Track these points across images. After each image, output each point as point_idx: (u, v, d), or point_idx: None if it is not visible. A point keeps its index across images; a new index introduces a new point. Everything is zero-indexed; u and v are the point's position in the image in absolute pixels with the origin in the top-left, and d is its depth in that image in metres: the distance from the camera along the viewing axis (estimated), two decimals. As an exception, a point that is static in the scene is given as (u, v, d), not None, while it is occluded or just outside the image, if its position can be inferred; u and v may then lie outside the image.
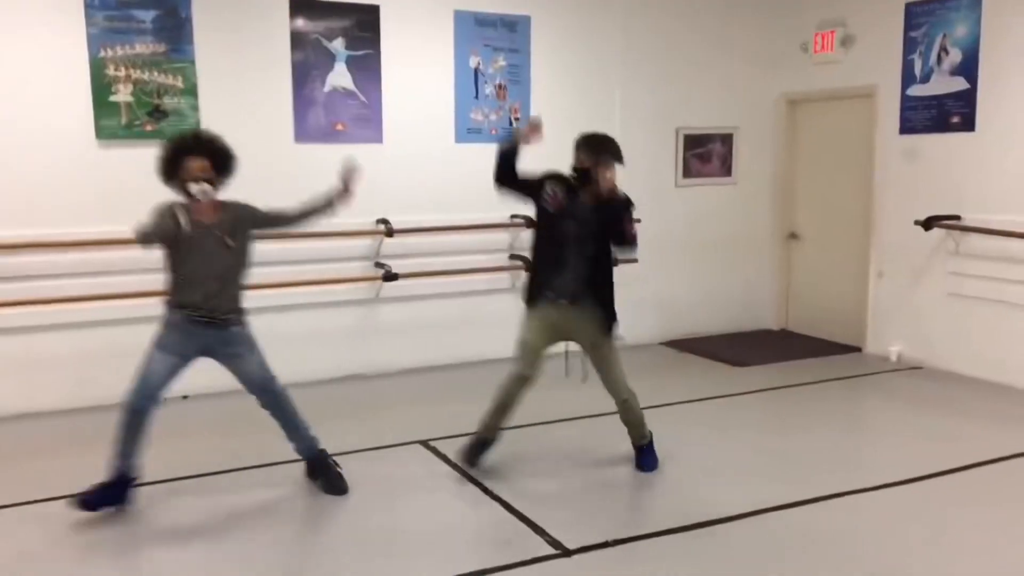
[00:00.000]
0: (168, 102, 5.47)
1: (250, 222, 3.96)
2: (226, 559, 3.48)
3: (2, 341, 5.23)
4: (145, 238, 3.72)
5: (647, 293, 7.16)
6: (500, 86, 6.50)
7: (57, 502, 3.87)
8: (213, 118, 5.55)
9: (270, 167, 5.51)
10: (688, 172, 7.33)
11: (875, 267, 6.82)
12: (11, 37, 5.12)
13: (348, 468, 4.20)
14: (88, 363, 5.37)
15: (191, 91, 5.53)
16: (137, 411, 3.77)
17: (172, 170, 3.77)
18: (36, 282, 5.16)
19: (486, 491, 4.12)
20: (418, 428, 4.98)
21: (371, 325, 6.27)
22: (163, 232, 3.70)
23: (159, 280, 3.95)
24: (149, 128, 5.43)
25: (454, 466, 4.42)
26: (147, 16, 5.37)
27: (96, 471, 3.85)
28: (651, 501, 4.20)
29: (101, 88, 5.30)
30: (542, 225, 4.29)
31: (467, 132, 6.41)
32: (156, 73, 5.43)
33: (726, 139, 7.46)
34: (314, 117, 5.91)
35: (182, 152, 3.77)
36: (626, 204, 4.17)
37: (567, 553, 3.49)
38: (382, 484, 4.21)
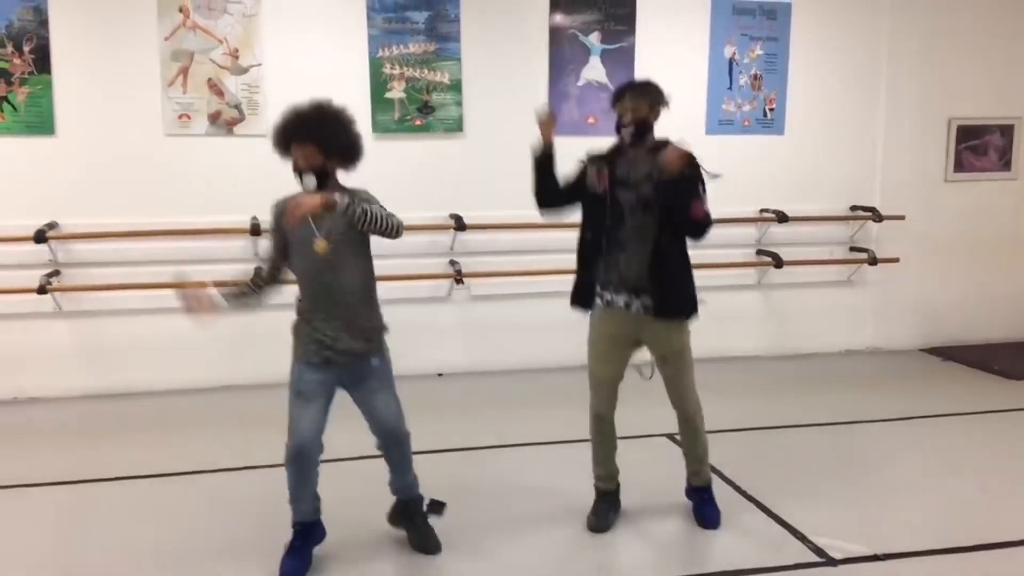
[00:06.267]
0: (435, 98, 5.81)
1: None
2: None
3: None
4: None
5: (907, 295, 6.73)
6: (755, 76, 6.31)
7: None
8: (474, 112, 5.88)
9: (525, 160, 5.67)
10: (960, 166, 6.77)
11: None
12: (305, 37, 5.64)
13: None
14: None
15: (456, 87, 5.84)
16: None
17: (285, 152, 3.19)
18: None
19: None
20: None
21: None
22: None
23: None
24: (418, 123, 5.81)
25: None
26: (420, 17, 5.73)
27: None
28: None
29: (378, 86, 5.74)
30: (591, 213, 3.46)
31: (718, 124, 6.29)
32: (426, 71, 5.79)
33: (1006, 130, 6.80)
34: (567, 111, 6.04)
35: (288, 138, 3.16)
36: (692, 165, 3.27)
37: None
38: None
